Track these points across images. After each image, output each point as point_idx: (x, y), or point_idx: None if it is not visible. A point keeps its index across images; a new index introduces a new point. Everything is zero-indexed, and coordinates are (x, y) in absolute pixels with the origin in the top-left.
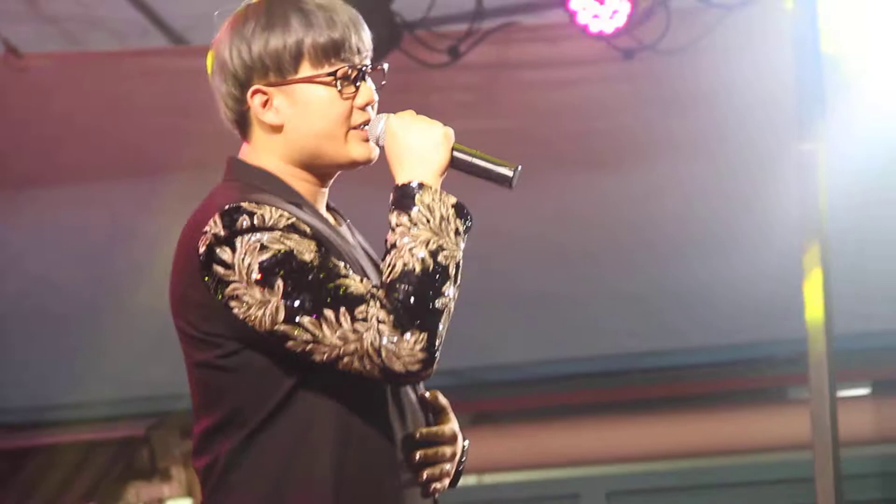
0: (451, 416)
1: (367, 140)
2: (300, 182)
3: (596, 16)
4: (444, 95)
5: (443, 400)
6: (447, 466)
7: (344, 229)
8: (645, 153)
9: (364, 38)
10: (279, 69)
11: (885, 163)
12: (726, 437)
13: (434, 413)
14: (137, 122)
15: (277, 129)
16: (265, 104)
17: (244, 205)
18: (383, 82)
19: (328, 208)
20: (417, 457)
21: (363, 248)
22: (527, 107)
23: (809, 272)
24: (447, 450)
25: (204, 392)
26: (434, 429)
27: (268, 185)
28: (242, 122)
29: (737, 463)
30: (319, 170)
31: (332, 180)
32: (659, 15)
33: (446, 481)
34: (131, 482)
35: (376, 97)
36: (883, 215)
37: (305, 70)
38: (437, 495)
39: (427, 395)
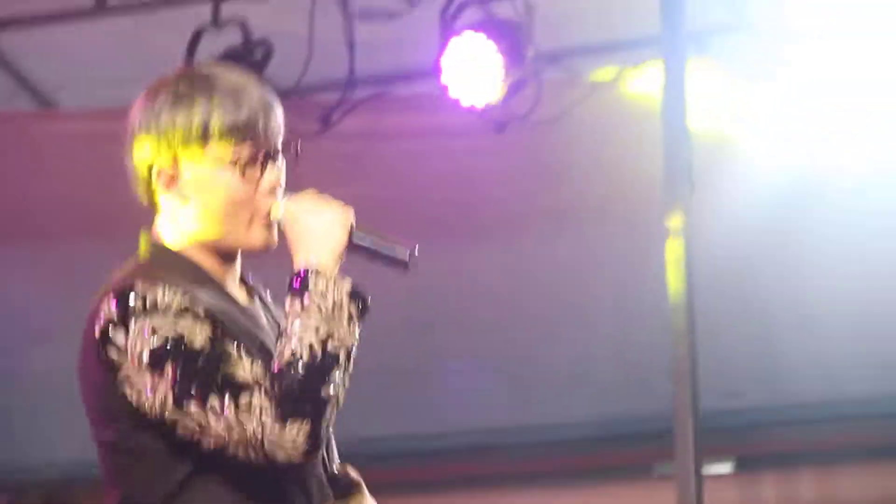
0: (364, 492)
1: (268, 226)
2: (207, 258)
3: (468, 90)
4: (317, 163)
5: (354, 475)
6: None
7: (255, 306)
8: (516, 225)
9: (274, 120)
10: (184, 148)
11: (752, 241)
12: None
13: (346, 489)
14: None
15: (182, 206)
16: (169, 183)
17: (138, 287)
18: (295, 157)
19: (244, 283)
20: None
21: (278, 324)
22: (398, 176)
23: (676, 348)
24: None
25: (104, 471)
26: None
27: (173, 263)
28: (150, 197)
29: None
30: (225, 251)
31: (239, 258)
32: (531, 87)
33: None
34: None
35: (282, 180)
36: (750, 293)
37: (211, 150)
38: None
39: (337, 471)
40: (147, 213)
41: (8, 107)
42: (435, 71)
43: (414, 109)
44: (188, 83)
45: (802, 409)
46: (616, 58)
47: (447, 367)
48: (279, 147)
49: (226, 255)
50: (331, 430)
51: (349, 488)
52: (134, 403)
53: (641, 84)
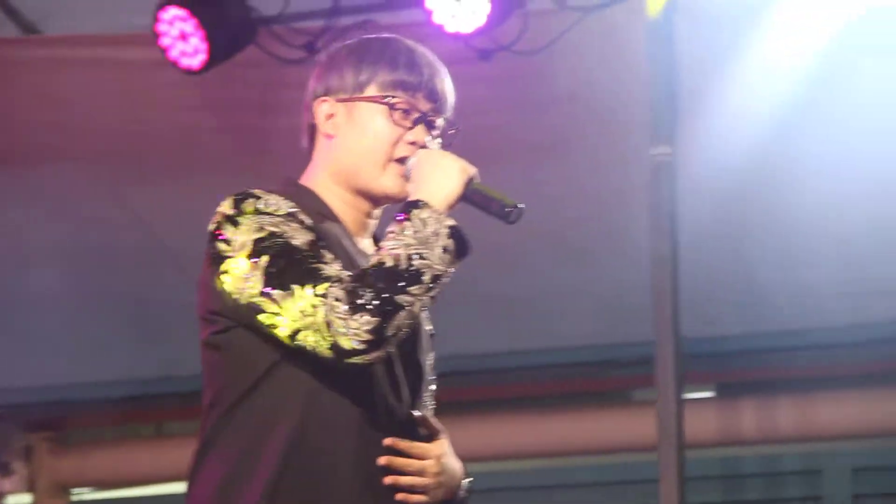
0: (444, 442)
1: (403, 176)
2: (342, 205)
3: (453, 15)
4: (300, 91)
5: (436, 424)
6: (419, 481)
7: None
8: (500, 155)
9: (440, 93)
10: (348, 88)
11: (736, 169)
12: (572, 439)
13: (430, 436)
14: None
15: (331, 140)
16: (327, 118)
17: (254, 190)
18: (448, 141)
19: (377, 240)
20: (382, 461)
21: None
22: None
23: (657, 275)
24: (427, 465)
25: (204, 371)
26: (409, 442)
27: (304, 198)
28: (310, 137)
29: (581, 464)
30: (358, 192)
31: (376, 210)
32: (516, 16)
33: (422, 497)
34: None
35: (431, 144)
36: (733, 220)
37: (371, 92)
38: None
39: (416, 415)
40: (135, 137)
41: None
42: None
43: None
44: (373, 40)
45: (782, 337)
46: None
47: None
48: (438, 116)
49: (358, 199)
50: (430, 387)
51: (432, 435)
52: (228, 290)
53: (627, 13)
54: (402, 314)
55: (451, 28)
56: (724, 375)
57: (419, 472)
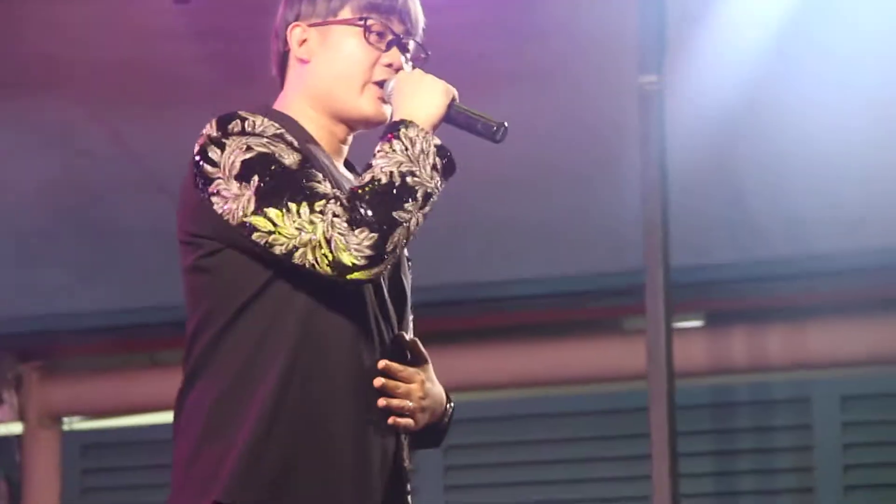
0: (428, 367)
1: (381, 99)
2: (318, 129)
3: None
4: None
5: (421, 349)
6: (410, 404)
7: (351, 177)
8: (487, 84)
9: (413, 16)
10: (321, 12)
11: (726, 97)
12: (561, 367)
13: (415, 360)
14: None
15: (304, 65)
16: (299, 44)
17: (239, 112)
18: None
19: (348, 166)
20: (378, 383)
21: None
22: None
23: (647, 204)
24: (412, 388)
25: (188, 297)
26: (399, 366)
27: (282, 122)
28: (282, 65)
29: (570, 393)
30: (335, 117)
31: (350, 136)
32: None
33: (409, 421)
34: None
35: (406, 68)
36: (723, 150)
37: (344, 15)
38: (401, 432)
39: (407, 338)
40: (113, 68)
41: None
42: None
43: None
44: None
45: (772, 266)
46: None
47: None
48: (411, 43)
49: (336, 124)
50: (409, 295)
51: (418, 360)
52: (219, 212)
53: None
54: (400, 230)
55: None
56: (713, 304)
57: (406, 396)
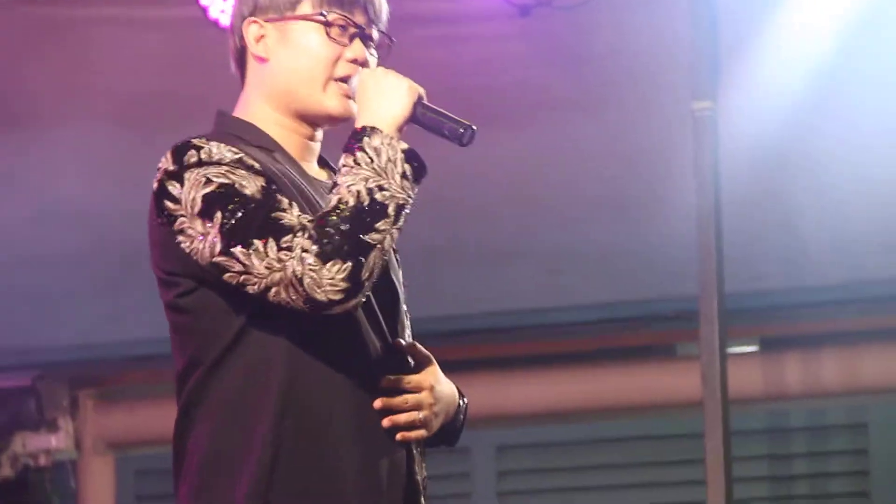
0: (434, 368)
1: (346, 96)
2: (282, 131)
3: None
4: None
5: (422, 350)
6: (419, 415)
7: (326, 181)
8: (539, 111)
9: (376, 5)
10: (279, 7)
11: (779, 123)
12: (616, 394)
13: (415, 364)
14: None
15: (263, 64)
16: (257, 41)
17: (193, 141)
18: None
19: (326, 164)
20: (378, 404)
21: None
22: (420, 63)
23: (701, 230)
24: (422, 397)
25: (173, 335)
26: (405, 377)
27: (242, 132)
28: (241, 64)
29: (626, 419)
30: (298, 117)
31: (318, 132)
32: None
33: (422, 432)
34: (17, 433)
35: (370, 63)
36: (776, 176)
37: (303, 9)
38: (414, 445)
39: (404, 344)
40: (172, 97)
41: None
42: None
43: None
44: None
45: (825, 292)
46: None
47: (471, 250)
48: (375, 33)
49: (300, 124)
50: (403, 307)
51: (421, 363)
52: (187, 251)
53: None
54: (374, 253)
55: None
56: (767, 329)
57: (416, 407)
